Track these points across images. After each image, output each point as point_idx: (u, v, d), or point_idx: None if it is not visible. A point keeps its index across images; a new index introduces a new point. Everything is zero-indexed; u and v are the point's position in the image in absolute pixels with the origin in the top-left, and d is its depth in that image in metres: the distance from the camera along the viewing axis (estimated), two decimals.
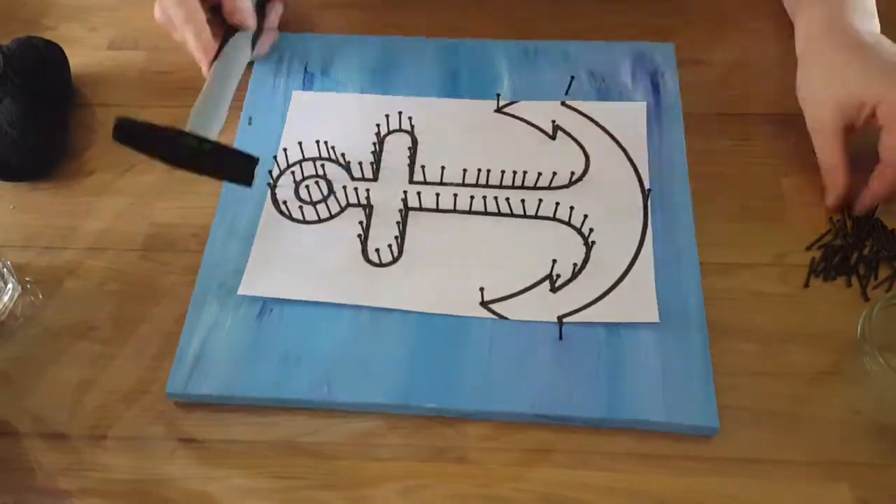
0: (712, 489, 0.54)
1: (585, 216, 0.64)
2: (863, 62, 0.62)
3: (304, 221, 0.66)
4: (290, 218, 0.66)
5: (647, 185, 0.66)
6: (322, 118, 0.72)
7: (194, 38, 0.65)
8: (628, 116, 0.70)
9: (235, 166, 0.58)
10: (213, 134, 0.59)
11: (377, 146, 0.70)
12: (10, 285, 0.64)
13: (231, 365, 0.59)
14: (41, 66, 0.73)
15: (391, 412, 0.58)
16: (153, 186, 0.68)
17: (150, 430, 0.58)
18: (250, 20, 0.68)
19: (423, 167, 0.68)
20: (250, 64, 0.76)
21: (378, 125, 0.70)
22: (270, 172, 0.68)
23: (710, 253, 0.64)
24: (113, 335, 0.62)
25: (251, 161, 0.58)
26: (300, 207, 0.66)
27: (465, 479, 0.56)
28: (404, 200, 0.66)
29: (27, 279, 0.65)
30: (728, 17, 0.79)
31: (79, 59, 0.78)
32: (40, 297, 0.65)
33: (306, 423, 0.58)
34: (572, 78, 0.72)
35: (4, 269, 0.64)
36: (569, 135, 0.70)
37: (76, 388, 0.60)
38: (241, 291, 0.62)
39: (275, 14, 0.75)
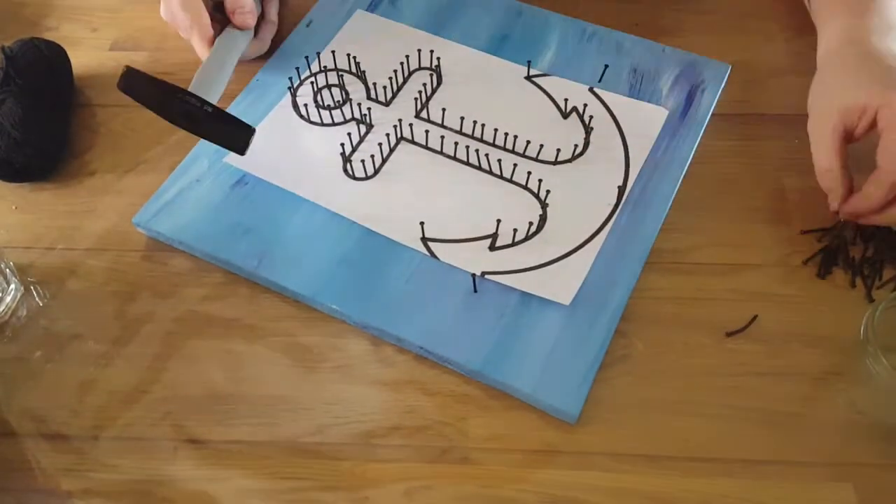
0: (718, 490, 0.54)
1: (549, 191, 0.66)
2: (869, 70, 0.62)
3: (309, 121, 0.72)
4: (299, 114, 0.72)
5: (630, 183, 0.67)
6: (370, 40, 0.77)
7: (199, 41, 0.69)
8: (645, 118, 0.71)
9: (231, 133, 0.62)
10: (214, 98, 0.64)
11: (403, 77, 0.74)
12: (12, 286, 0.64)
13: (193, 217, 0.66)
14: (43, 67, 0.73)
15: (300, 301, 0.63)
16: (155, 187, 0.68)
17: (151, 430, 0.58)
18: (251, 21, 0.71)
19: (440, 108, 0.71)
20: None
21: (408, 57, 0.74)
22: (298, 70, 0.74)
23: (713, 254, 0.64)
24: (115, 335, 0.62)
25: (247, 130, 0.62)
26: (307, 106, 0.72)
27: (468, 479, 0.55)
28: (401, 130, 0.70)
29: (30, 279, 0.65)
30: (732, 17, 0.79)
31: (81, 60, 0.78)
32: (45, 296, 0.65)
33: (308, 423, 0.58)
34: (606, 66, 0.73)
35: (7, 270, 0.64)
36: (581, 119, 0.71)
37: (78, 388, 0.60)
38: (227, 160, 0.69)
39: (273, 8, 0.77)
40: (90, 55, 0.79)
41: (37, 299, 0.65)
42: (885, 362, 0.55)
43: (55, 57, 0.75)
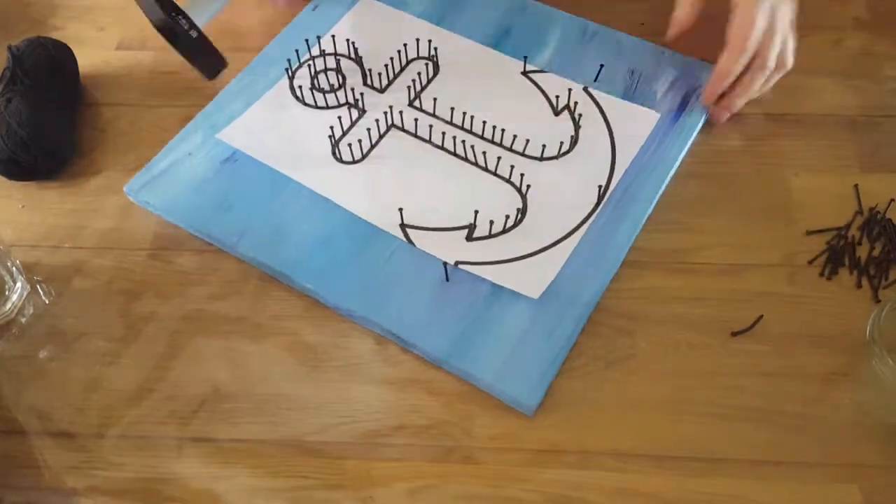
0: (722, 490, 0.54)
1: (529, 186, 0.66)
2: None
3: (304, 103, 0.72)
4: (295, 96, 0.73)
5: (614, 184, 0.66)
6: (372, 27, 0.78)
7: None
8: (636, 120, 0.70)
9: (207, 60, 0.67)
10: (201, 20, 0.67)
11: (400, 65, 0.75)
12: (18, 284, 0.64)
13: (181, 190, 0.68)
14: (50, 66, 0.74)
15: (276, 279, 0.64)
16: None
17: (157, 428, 0.58)
18: None
19: (432, 98, 0.72)
20: None
21: (406, 45, 0.75)
22: (298, 52, 0.74)
23: (719, 253, 0.64)
24: (120, 334, 0.63)
25: (221, 62, 0.68)
26: (302, 88, 0.73)
27: (473, 479, 0.55)
28: (392, 117, 0.71)
29: (36, 278, 0.66)
30: None
31: (87, 59, 0.78)
32: (51, 295, 0.65)
33: (313, 422, 0.58)
34: (602, 66, 0.73)
35: (13, 268, 0.64)
36: (572, 117, 0.71)
37: (84, 386, 0.60)
38: (219, 136, 0.70)
39: None
40: (96, 54, 0.79)
41: (43, 298, 0.65)
42: (892, 363, 0.55)
43: (62, 56, 0.75)
